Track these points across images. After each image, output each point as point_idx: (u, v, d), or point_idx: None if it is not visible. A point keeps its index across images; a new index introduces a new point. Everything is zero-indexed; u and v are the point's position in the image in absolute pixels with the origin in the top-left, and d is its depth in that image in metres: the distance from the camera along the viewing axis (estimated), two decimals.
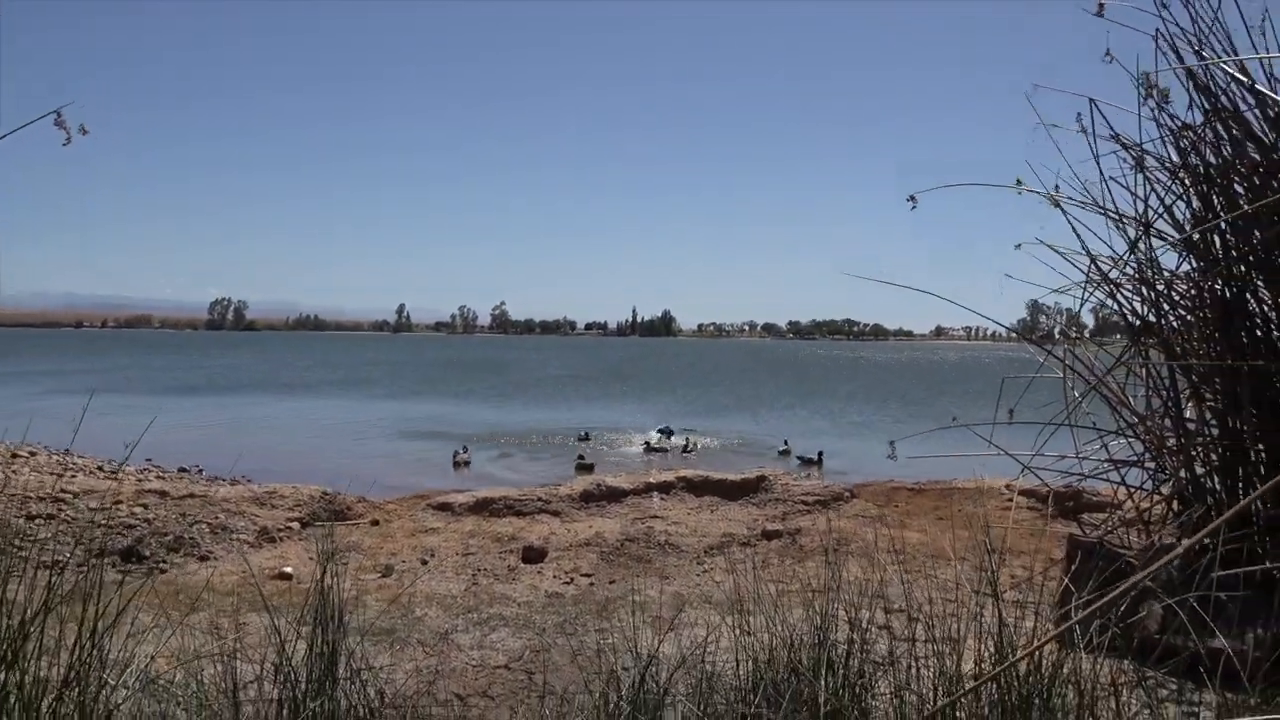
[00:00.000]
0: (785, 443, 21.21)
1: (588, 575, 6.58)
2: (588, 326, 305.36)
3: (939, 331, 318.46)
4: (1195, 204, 4.55)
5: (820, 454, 18.90)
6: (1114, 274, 4.77)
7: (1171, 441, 4.57)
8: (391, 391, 40.48)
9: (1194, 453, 4.42)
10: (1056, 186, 4.78)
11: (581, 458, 18.62)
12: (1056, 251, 5.01)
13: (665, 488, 9.19)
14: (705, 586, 5.96)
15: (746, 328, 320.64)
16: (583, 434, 22.98)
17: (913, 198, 4.55)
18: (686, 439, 22.10)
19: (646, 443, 21.53)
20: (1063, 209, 4.68)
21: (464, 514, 8.36)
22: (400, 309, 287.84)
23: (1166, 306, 4.70)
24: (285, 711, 2.86)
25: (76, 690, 2.63)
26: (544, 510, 8.51)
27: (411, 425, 25.83)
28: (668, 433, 23.13)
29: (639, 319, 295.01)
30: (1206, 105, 4.37)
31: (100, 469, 14.33)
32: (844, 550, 6.66)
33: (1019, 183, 4.89)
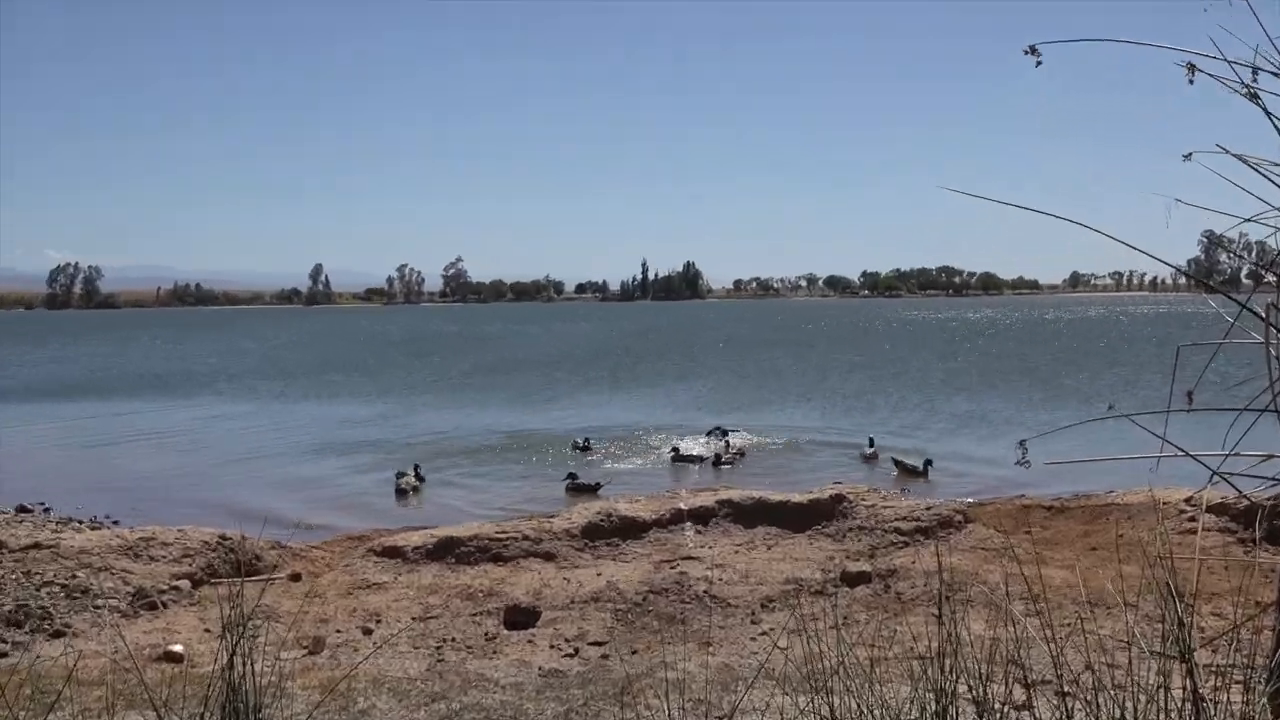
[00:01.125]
0: (870, 443, 21.19)
1: (598, 644, 6.61)
2: (580, 289, 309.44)
3: (1076, 281, 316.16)
4: None
5: (928, 463, 18.87)
6: None
7: None
8: (310, 388, 40.61)
9: None
10: (1255, 72, 4.70)
11: (573, 477, 18.55)
12: (1247, 163, 4.93)
13: (702, 516, 9.14)
14: (766, 655, 5.95)
15: (804, 283, 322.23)
16: (581, 441, 23.03)
17: (1033, 49, 4.48)
18: (726, 442, 22.10)
19: (675, 449, 21.54)
20: (1261, 103, 4.61)
21: (420, 561, 8.40)
22: (316, 273, 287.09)
23: None
24: None
25: None
26: (532, 553, 8.45)
27: (341, 436, 25.96)
28: (721, 433, 23.14)
29: (652, 276, 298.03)
30: None
31: None
32: (960, 598, 6.74)
33: (1190, 69, 4.82)
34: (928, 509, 9.06)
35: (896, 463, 19.17)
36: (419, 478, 19.04)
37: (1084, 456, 5.89)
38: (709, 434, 23.38)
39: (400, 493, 18.30)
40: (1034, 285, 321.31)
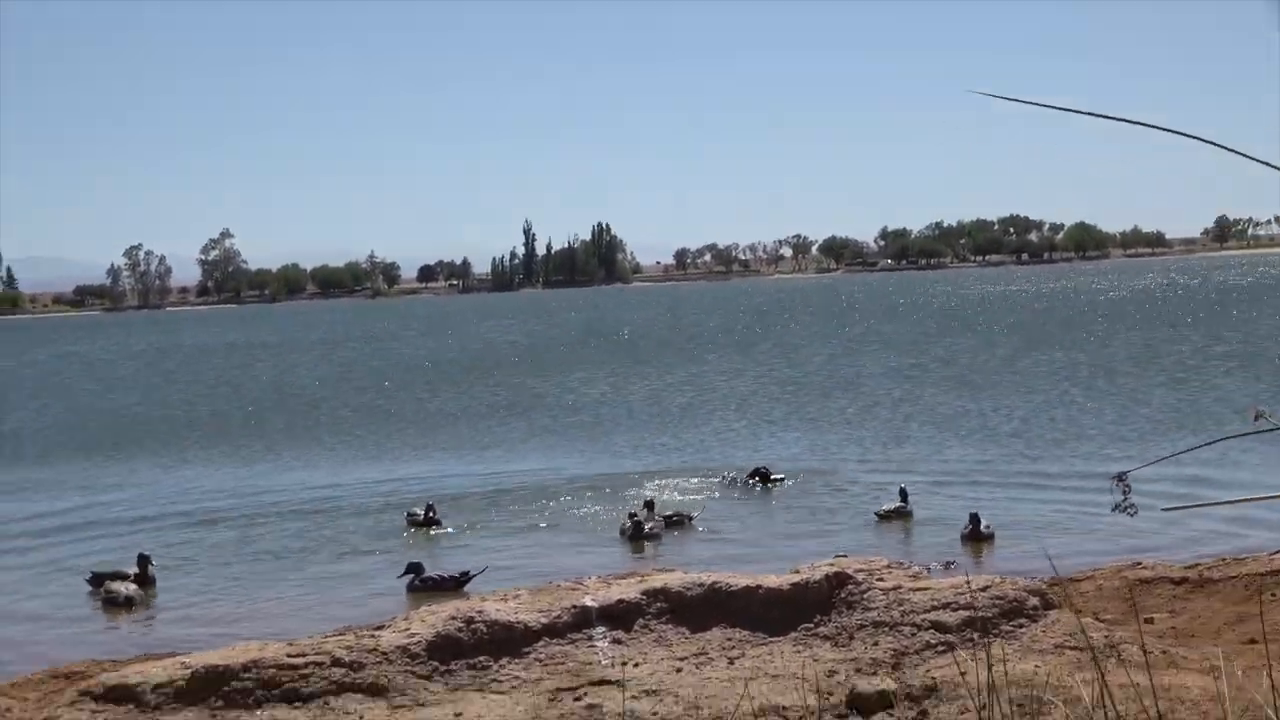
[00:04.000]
0: (901, 495, 16.44)
1: None
2: (425, 274, 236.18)
3: (1224, 233, 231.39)
4: None
5: (976, 520, 14.63)
6: None
7: None
8: None
9: None
10: None
11: (417, 569, 14.13)
12: None
13: (621, 616, 7.85)
14: None
15: (787, 251, 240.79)
16: (422, 511, 17.81)
17: None
18: (647, 503, 17.29)
19: (636, 516, 16.32)
20: None
21: (167, 708, 7.20)
22: None
23: None
24: None
25: None
26: (349, 687, 7.29)
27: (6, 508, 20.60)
28: (761, 478, 18.60)
29: (543, 250, 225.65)
30: None
31: None
32: None
33: None
34: (984, 589, 7.55)
35: (969, 529, 14.61)
36: (145, 578, 14.27)
37: (1230, 494, 5.15)
38: (751, 477, 19.03)
39: (114, 603, 13.76)
40: (1160, 241, 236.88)
